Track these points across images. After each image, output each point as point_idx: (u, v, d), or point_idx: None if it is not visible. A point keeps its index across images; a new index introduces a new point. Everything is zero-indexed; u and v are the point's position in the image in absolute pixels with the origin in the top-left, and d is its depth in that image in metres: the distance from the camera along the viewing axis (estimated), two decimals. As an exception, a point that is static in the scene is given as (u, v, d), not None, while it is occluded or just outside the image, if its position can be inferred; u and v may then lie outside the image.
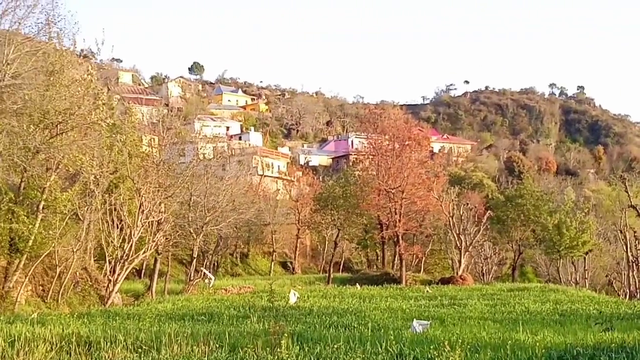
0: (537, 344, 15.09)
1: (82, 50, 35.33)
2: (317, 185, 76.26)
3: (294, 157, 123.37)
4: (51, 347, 14.93)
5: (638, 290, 47.26)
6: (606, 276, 61.17)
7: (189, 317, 24.11)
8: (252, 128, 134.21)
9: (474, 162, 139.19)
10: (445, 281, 51.47)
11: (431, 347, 14.07)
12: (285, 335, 14.23)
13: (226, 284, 48.72)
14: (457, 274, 54.69)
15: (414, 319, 20.78)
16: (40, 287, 32.41)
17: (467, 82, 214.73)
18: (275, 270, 71.13)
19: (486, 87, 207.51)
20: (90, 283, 35.63)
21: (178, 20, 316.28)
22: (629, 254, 48.34)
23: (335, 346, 14.60)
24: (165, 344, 15.18)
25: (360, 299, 34.04)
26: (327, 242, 71.42)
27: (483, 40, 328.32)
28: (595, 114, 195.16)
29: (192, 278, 44.11)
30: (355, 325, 20.46)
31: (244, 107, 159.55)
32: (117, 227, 34.14)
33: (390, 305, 29.96)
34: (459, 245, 57.59)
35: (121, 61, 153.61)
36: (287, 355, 13.59)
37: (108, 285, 33.65)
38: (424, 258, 68.05)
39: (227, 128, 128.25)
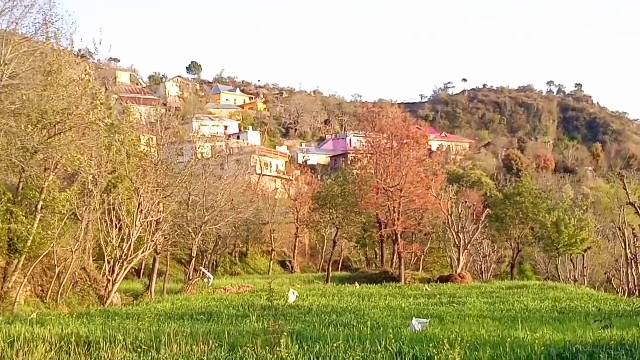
0: (537, 341, 15.09)
1: (79, 50, 35.42)
2: (316, 184, 76.26)
3: (292, 156, 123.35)
4: (51, 348, 14.93)
5: (637, 288, 47.28)
6: (605, 274, 61.18)
7: (188, 316, 24.12)
8: (251, 127, 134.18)
9: (473, 160, 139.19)
10: (444, 279, 51.50)
11: (430, 345, 14.08)
12: (285, 334, 14.25)
13: (225, 283, 48.70)
14: (456, 272, 54.72)
15: (413, 318, 20.78)
16: (40, 288, 32.38)
17: (465, 80, 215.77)
18: (274, 270, 71.10)
19: (484, 85, 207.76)
20: (90, 283, 35.61)
21: (176, 19, 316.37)
22: (628, 251, 48.36)
23: (335, 345, 14.61)
24: (165, 344, 15.18)
25: (359, 297, 34.05)
26: (326, 241, 71.42)
27: (481, 38, 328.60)
28: (594, 112, 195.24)
29: (191, 277, 44.10)
30: (355, 324, 20.46)
31: (242, 107, 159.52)
32: (116, 227, 34.14)
33: (390, 303, 29.98)
34: (457, 243, 57.63)
35: (119, 61, 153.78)
36: (286, 354, 13.60)
37: (107, 285, 33.65)
38: (422, 256, 68.13)
39: (226, 127, 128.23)
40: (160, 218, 37.19)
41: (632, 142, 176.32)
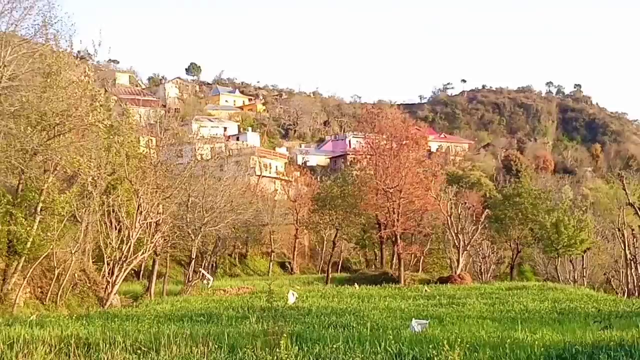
0: (536, 342, 15.10)
1: (79, 51, 35.39)
2: (315, 185, 76.24)
3: (291, 157, 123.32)
4: (50, 349, 14.91)
5: (636, 288, 47.29)
6: (604, 274, 61.27)
7: (188, 318, 24.10)
8: (250, 128, 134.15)
9: (472, 161, 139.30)
10: (443, 280, 51.48)
11: (430, 346, 14.08)
12: (284, 335, 14.24)
13: (225, 284, 48.72)
14: (455, 273, 54.70)
15: (413, 319, 20.78)
16: (39, 289, 32.36)
17: (464, 81, 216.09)
18: (273, 271, 71.08)
19: (483, 86, 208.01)
20: (89, 285, 35.59)
21: (175, 21, 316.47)
22: (627, 252, 48.37)
23: (334, 346, 14.61)
24: (164, 345, 15.17)
25: (358, 298, 34.07)
26: (325, 242, 71.41)
27: (480, 39, 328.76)
28: (593, 112, 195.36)
29: (190, 279, 44.09)
30: (354, 325, 20.46)
31: (241, 108, 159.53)
32: (115, 229, 34.12)
33: (389, 304, 29.99)
34: (457, 244, 57.63)
35: (118, 62, 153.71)
36: (286, 356, 13.59)
37: (106, 286, 33.63)
38: (422, 257, 68.11)
39: (225, 129, 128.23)
40: (159, 219, 37.19)
41: (631, 142, 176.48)
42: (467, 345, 14.36)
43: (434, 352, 13.52)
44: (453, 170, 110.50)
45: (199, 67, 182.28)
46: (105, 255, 33.59)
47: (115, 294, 34.04)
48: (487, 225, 63.94)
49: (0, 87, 27.87)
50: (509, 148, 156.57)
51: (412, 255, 63.74)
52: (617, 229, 53.20)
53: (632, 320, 21.25)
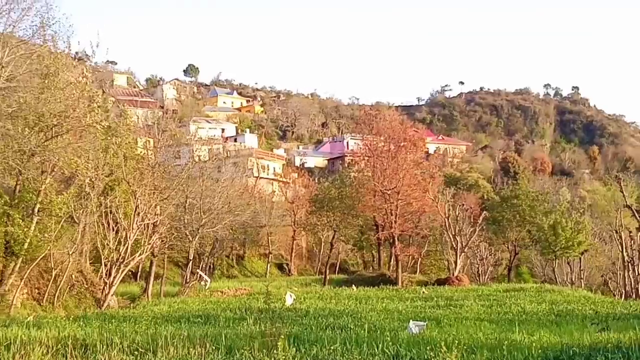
0: (533, 344, 15.12)
1: (76, 53, 35.36)
2: (313, 187, 76.26)
3: (289, 159, 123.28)
4: (47, 350, 14.90)
5: (633, 290, 47.28)
6: (602, 276, 61.33)
7: (185, 319, 24.08)
8: (248, 130, 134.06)
9: (469, 163, 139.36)
10: (441, 282, 51.50)
11: (427, 348, 14.08)
12: (282, 337, 14.23)
13: (222, 286, 48.70)
14: (453, 274, 54.72)
15: (410, 320, 20.77)
16: (36, 290, 32.32)
17: (462, 82, 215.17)
18: (271, 272, 71.04)
19: (481, 88, 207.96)
20: (86, 286, 35.54)
21: (173, 22, 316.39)
22: (625, 254, 48.37)
23: (332, 348, 14.61)
24: (162, 347, 15.16)
25: (356, 300, 34.08)
26: (323, 244, 71.41)
27: (478, 40, 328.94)
28: (590, 114, 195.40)
29: (188, 280, 44.04)
30: (352, 327, 20.46)
31: (239, 109, 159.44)
32: (113, 230, 34.11)
33: (387, 306, 30.01)
34: (454, 246, 57.67)
35: (116, 64, 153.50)
36: (283, 357, 13.58)
37: (104, 288, 33.61)
38: (419, 259, 68.12)
39: (223, 130, 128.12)
40: (157, 221, 37.19)
41: (628, 144, 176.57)
42: (465, 347, 14.36)
43: (431, 353, 13.51)
44: (451, 172, 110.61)
45: (197, 68, 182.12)
46: (102, 257, 33.58)
47: (112, 295, 34.03)
48: (484, 227, 64.01)
49: (-2, 88, 27.85)
50: (507, 150, 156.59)
51: (410, 257, 63.75)
52: (614, 231, 53.20)
53: (630, 322, 21.28)
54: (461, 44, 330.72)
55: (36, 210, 29.44)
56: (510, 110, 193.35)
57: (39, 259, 30.68)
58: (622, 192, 46.04)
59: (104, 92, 62.45)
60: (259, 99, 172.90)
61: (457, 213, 59.94)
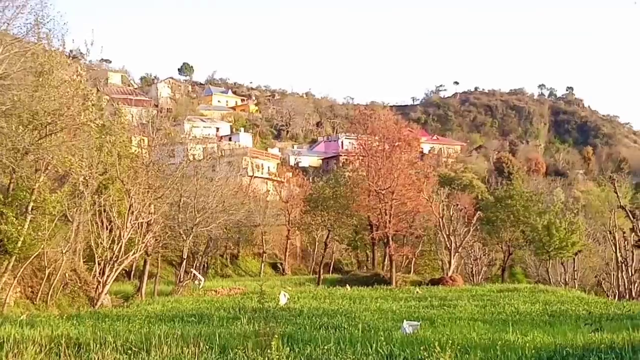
0: (527, 344, 15.14)
1: (71, 51, 35.15)
2: (307, 186, 76.23)
3: (284, 158, 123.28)
4: (40, 349, 14.87)
5: (627, 291, 47.41)
6: (595, 277, 61.45)
7: (179, 318, 24.06)
8: (242, 129, 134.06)
9: (464, 163, 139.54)
10: (435, 282, 51.56)
11: (421, 348, 14.08)
12: (276, 336, 14.22)
13: (216, 285, 48.66)
14: (447, 274, 54.80)
15: (404, 320, 20.80)
16: (29, 289, 32.24)
17: (456, 82, 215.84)
18: (265, 272, 71.03)
19: (476, 88, 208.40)
20: (80, 284, 35.46)
21: (168, 21, 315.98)
22: (618, 254, 48.48)
23: (326, 347, 14.61)
24: (155, 346, 15.14)
25: (350, 300, 34.09)
26: (317, 243, 71.40)
27: (473, 41, 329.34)
28: (584, 115, 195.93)
29: (181, 279, 43.97)
30: (346, 327, 20.46)
31: (233, 108, 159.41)
32: (107, 229, 34.03)
33: (381, 306, 30.02)
34: (448, 246, 57.74)
35: (110, 62, 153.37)
36: (277, 357, 13.57)
37: (97, 286, 33.54)
38: (414, 259, 68.18)
39: (217, 129, 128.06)
40: (151, 219, 37.12)
41: (622, 145, 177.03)
42: (458, 347, 14.39)
43: (425, 353, 13.52)
44: (445, 172, 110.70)
45: (192, 67, 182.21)
46: (96, 255, 33.50)
47: (106, 294, 33.95)
48: (478, 227, 64.08)
49: (-9, 86, 27.77)
50: (501, 150, 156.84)
51: (404, 256, 63.81)
52: (608, 232, 53.32)
53: (623, 322, 21.33)
54: (456, 44, 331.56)
55: (30, 208, 29.36)
56: (504, 110, 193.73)
57: (33, 257, 30.60)
58: (616, 192, 46.11)
59: (98, 90, 62.30)
60: (253, 98, 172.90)
61: (451, 213, 59.99)
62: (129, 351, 14.96)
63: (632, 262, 48.36)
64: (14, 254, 29.08)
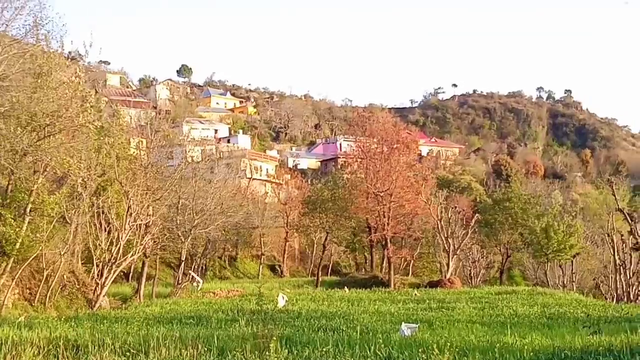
0: (525, 347, 15.13)
1: (70, 52, 35.20)
2: (306, 189, 76.28)
3: (282, 160, 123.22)
4: (38, 351, 14.87)
5: (625, 294, 47.41)
6: (593, 279, 61.42)
7: (177, 320, 24.03)
8: (241, 131, 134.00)
9: (462, 165, 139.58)
10: (433, 284, 51.53)
11: (419, 350, 14.08)
12: (274, 338, 14.22)
13: (214, 287, 48.63)
14: (445, 277, 54.76)
15: (403, 322, 20.78)
16: (28, 291, 32.20)
17: (455, 85, 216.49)
18: (263, 274, 71.00)
19: (474, 91, 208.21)
20: (78, 286, 35.42)
21: (166, 22, 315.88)
22: (616, 257, 48.47)
23: (324, 349, 14.61)
24: (154, 348, 15.13)
25: (348, 302, 34.06)
26: (315, 246, 71.40)
27: (471, 43, 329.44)
28: (583, 118, 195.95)
29: (180, 281, 43.97)
30: (344, 329, 20.46)
31: (232, 110, 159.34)
32: (105, 230, 34.04)
33: (379, 308, 30.01)
34: (447, 248, 57.73)
35: (109, 63, 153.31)
36: (275, 359, 13.57)
37: (96, 288, 33.52)
38: (412, 261, 68.12)
39: (216, 131, 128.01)
40: (149, 221, 37.11)
41: (621, 148, 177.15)
42: (457, 350, 14.38)
43: (423, 356, 13.52)
44: (443, 175, 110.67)
45: (190, 69, 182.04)
46: (94, 257, 33.50)
47: (104, 296, 33.94)
48: (477, 229, 64.12)
49: (-10, 87, 27.76)
50: (499, 153, 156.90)
51: (402, 259, 63.74)
52: (606, 235, 53.31)
53: (621, 325, 21.31)
54: (454, 47, 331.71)
55: (28, 210, 29.35)
56: (503, 113, 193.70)
57: (31, 259, 30.58)
58: (614, 195, 46.08)
59: (96, 92, 62.37)
60: (252, 100, 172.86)
61: (449, 215, 60.01)
62: (127, 353, 14.95)
63: (630, 264, 48.35)
64: (12, 255, 29.06)
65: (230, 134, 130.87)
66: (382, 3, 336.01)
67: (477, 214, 64.99)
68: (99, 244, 33.30)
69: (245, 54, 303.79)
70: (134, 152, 42.83)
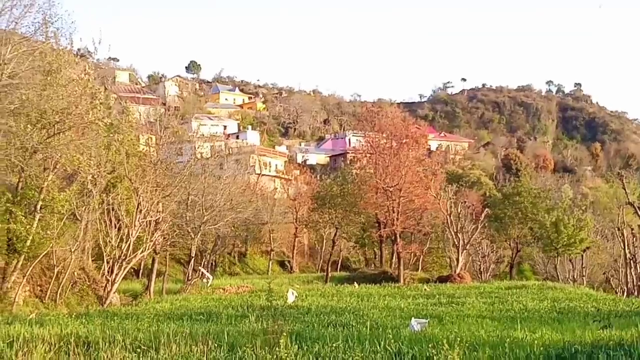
0: (535, 341, 15.10)
1: (79, 49, 35.42)
2: (315, 184, 76.19)
3: (291, 156, 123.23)
4: (50, 348, 14.90)
5: (635, 288, 47.29)
6: (604, 274, 61.24)
7: (187, 316, 24.09)
8: (250, 127, 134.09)
9: (472, 160, 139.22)
10: (443, 279, 51.49)
11: (429, 345, 14.06)
12: (284, 334, 14.21)
13: (224, 283, 48.66)
14: (455, 272, 54.69)
15: (412, 318, 20.77)
16: (38, 288, 32.37)
17: (464, 79, 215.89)
18: (273, 270, 71.06)
19: (483, 85, 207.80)
20: (88, 283, 35.60)
21: (175, 19, 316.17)
22: (627, 251, 48.37)
23: (334, 345, 14.59)
24: (164, 344, 15.15)
25: (358, 297, 34.07)
26: (325, 241, 71.38)
27: (480, 38, 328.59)
28: (592, 111, 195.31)
29: (190, 277, 44.09)
30: (354, 324, 20.45)
31: (241, 106, 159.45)
32: (115, 227, 34.13)
33: (389, 303, 30.00)
34: (456, 243, 57.63)
35: (118, 60, 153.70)
36: (285, 354, 13.57)
37: (106, 285, 33.63)
38: (421, 256, 68.14)
39: (225, 127, 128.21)
40: (159, 218, 37.19)
41: (631, 141, 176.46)
42: (467, 345, 14.36)
43: (433, 351, 13.50)
44: (453, 169, 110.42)
45: (199, 65, 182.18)
46: (104, 254, 33.59)
47: (114, 293, 34.04)
48: (486, 224, 63.94)
49: (0, 85, 27.85)
50: (509, 147, 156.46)
51: (412, 254, 63.73)
52: (616, 228, 53.19)
53: (632, 319, 21.24)
54: (463, 41, 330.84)
55: (38, 207, 29.48)
56: (512, 107, 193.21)
57: (42, 256, 30.74)
58: (625, 189, 45.93)
59: (106, 89, 62.52)
60: (260, 95, 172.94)
61: (459, 210, 59.92)
62: (138, 350, 14.97)
63: (641, 258, 48.22)
64: (23, 252, 29.21)
65: (239, 130, 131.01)
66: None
67: (486, 209, 64.78)
68: (109, 241, 33.40)
69: (253, 50, 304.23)
70: (143, 149, 42.93)
